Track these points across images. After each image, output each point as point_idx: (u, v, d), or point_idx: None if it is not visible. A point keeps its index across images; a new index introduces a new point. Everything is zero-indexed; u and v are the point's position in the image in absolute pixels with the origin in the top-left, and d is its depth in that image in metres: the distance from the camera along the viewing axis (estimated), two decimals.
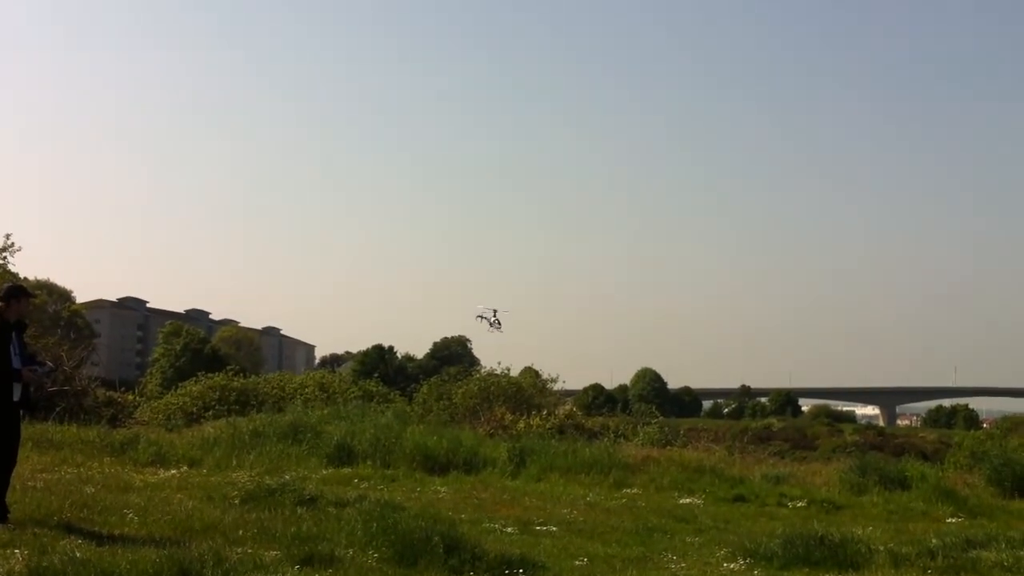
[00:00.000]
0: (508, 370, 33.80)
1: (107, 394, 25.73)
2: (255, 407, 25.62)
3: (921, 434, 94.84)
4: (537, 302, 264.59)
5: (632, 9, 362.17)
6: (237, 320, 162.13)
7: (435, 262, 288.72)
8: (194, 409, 27.41)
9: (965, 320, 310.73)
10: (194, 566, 7.15)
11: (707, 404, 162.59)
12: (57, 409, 20.11)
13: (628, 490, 15.18)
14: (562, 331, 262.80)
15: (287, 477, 13.32)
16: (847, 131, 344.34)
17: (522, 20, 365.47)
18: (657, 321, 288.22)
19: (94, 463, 14.62)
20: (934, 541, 10.41)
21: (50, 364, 11.77)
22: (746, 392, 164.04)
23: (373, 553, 8.55)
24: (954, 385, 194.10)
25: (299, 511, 10.60)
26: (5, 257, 31.81)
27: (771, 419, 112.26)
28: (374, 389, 34.99)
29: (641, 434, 26.50)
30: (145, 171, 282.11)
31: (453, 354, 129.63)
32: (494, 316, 40.82)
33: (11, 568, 7.09)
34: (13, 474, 9.46)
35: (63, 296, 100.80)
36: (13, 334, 9.26)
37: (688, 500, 14.42)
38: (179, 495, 11.78)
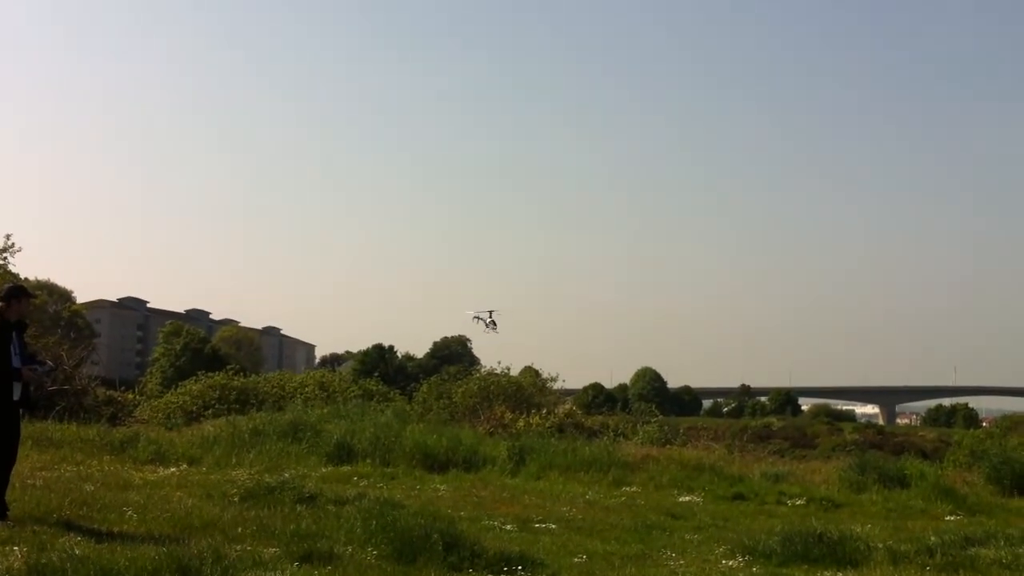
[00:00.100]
0: (508, 369, 33.83)
1: (107, 393, 25.76)
2: (255, 406, 25.67)
3: (921, 433, 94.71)
4: (537, 302, 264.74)
5: (632, 9, 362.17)
6: (237, 320, 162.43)
7: (435, 262, 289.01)
8: (194, 408, 27.45)
9: (965, 320, 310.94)
10: (193, 563, 7.16)
11: (707, 403, 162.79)
12: (57, 408, 20.14)
13: (627, 488, 15.20)
14: (562, 331, 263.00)
15: (286, 475, 13.34)
16: (847, 131, 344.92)
17: (522, 20, 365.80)
18: (657, 320, 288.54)
19: (94, 461, 14.64)
20: (933, 539, 10.41)
21: (50, 363, 11.79)
22: (746, 391, 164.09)
23: (372, 550, 8.56)
24: (954, 384, 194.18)
25: (298, 509, 10.62)
26: (5, 257, 31.84)
27: (771, 418, 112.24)
28: (374, 388, 35.09)
29: (641, 433, 26.53)
30: (145, 171, 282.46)
31: (453, 353, 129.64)
32: (489, 317, 40.90)
33: (10, 565, 7.10)
34: (13, 472, 9.50)
35: (63, 296, 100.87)
36: (14, 334, 9.30)
37: (687, 498, 14.43)
38: (178, 493, 11.80)
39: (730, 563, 9.45)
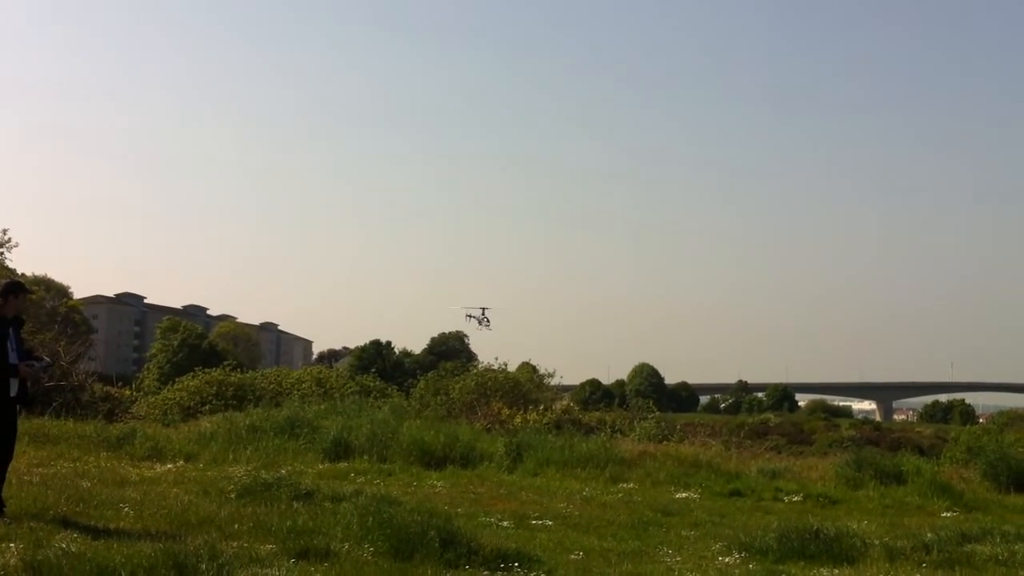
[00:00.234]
0: (505, 365, 33.86)
1: (104, 389, 25.72)
2: (252, 402, 25.63)
3: (917, 429, 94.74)
4: (535, 298, 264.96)
5: (641, 6, 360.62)
6: (235, 316, 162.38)
7: (433, 257, 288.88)
8: (191, 404, 27.38)
9: (962, 316, 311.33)
10: (189, 560, 7.14)
11: (704, 399, 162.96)
12: (54, 404, 20.09)
13: (624, 484, 15.19)
14: (560, 327, 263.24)
15: (283, 471, 13.34)
16: (847, 130, 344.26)
17: (527, 17, 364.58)
18: (655, 317, 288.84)
19: (90, 457, 14.64)
20: (929, 535, 10.42)
21: (47, 359, 11.77)
22: (743, 387, 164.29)
23: (369, 547, 8.55)
24: (951, 380, 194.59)
25: (295, 505, 10.61)
26: (3, 253, 32.00)
27: (768, 414, 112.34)
28: (371, 384, 35.04)
29: (638, 429, 26.50)
30: (142, 167, 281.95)
31: (450, 349, 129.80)
32: (483, 314, 41.10)
33: (6, 562, 7.09)
34: (9, 468, 9.49)
35: (60, 292, 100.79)
36: (10, 330, 9.30)
37: (684, 494, 14.44)
38: (175, 489, 11.79)
39: (727, 559, 9.45)
